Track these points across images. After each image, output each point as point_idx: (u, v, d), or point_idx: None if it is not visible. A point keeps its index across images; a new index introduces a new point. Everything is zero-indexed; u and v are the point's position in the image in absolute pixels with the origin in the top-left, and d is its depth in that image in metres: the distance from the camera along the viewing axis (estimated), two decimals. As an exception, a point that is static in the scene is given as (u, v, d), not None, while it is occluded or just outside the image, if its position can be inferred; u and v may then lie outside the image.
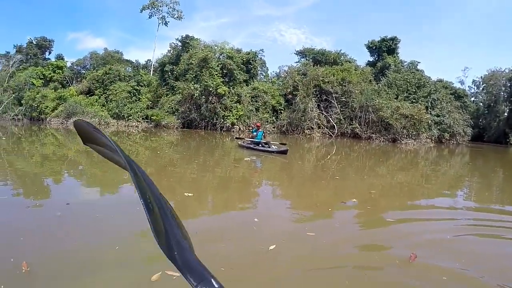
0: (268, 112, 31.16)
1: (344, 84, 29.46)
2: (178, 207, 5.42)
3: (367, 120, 28.45)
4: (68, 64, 42.54)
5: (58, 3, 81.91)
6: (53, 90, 36.87)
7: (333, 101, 29.26)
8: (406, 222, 5.16)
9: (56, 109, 33.68)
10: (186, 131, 28.04)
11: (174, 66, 33.09)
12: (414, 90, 30.39)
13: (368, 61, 37.27)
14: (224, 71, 29.93)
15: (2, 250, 3.35)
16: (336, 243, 4.02)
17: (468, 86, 44.82)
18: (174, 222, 0.51)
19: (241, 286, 2.93)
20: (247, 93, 30.69)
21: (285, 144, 14.45)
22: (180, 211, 5.21)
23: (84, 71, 41.88)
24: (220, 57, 31.61)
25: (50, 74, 39.89)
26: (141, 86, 34.27)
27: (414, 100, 29.54)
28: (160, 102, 32.16)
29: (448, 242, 4.16)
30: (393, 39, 35.01)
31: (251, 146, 14.19)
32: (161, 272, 2.86)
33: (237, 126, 29.74)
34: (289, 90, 30.92)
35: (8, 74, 41.24)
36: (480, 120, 41.92)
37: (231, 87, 29.76)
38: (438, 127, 29.90)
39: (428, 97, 30.28)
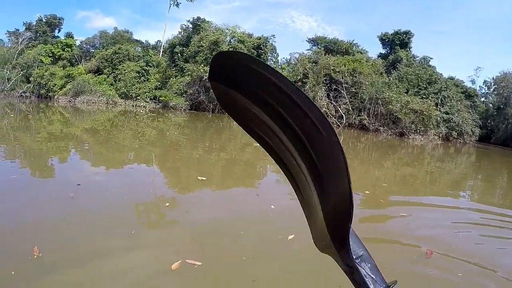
0: (277, 98, 30.82)
1: (354, 74, 29.18)
2: (192, 191, 5.35)
3: (375, 113, 28.21)
4: (77, 43, 42.34)
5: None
6: (61, 68, 36.71)
7: (342, 91, 29.01)
8: (419, 216, 5.17)
9: (64, 87, 33.58)
10: (194, 113, 27.96)
11: (184, 48, 32.90)
12: (425, 86, 30.09)
13: (380, 53, 36.89)
14: (235, 55, 29.58)
15: (13, 234, 3.10)
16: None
17: (479, 86, 44.32)
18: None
19: (264, 273, 2.81)
20: (257, 78, 30.33)
21: None
22: (194, 195, 5.11)
23: (93, 50, 41.66)
24: (231, 40, 31.40)
25: (59, 52, 39.70)
26: (150, 67, 34.17)
27: (424, 96, 29.23)
28: (169, 83, 32.03)
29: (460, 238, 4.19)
30: (407, 33, 34.58)
31: None
32: (181, 261, 2.72)
33: (245, 111, 29.45)
34: (299, 78, 30.65)
35: (17, 52, 41.03)
36: (489, 121, 41.44)
37: (241, 72, 29.43)
38: (447, 125, 29.59)
39: (439, 93, 29.94)
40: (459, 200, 7.21)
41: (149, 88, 32.22)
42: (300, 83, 30.58)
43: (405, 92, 29.18)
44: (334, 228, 0.46)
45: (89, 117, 19.86)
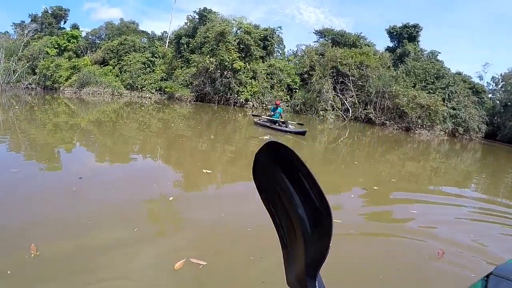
0: (283, 90, 30.65)
1: (361, 67, 28.80)
2: (197, 185, 5.27)
3: (382, 106, 27.87)
4: (83, 34, 42.18)
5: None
6: (67, 59, 36.62)
7: (349, 84, 28.70)
8: (429, 212, 5.12)
9: (70, 79, 33.50)
10: (199, 105, 27.87)
11: (190, 39, 32.62)
12: (432, 81, 29.59)
13: (388, 46, 36.29)
14: (241, 46, 29.29)
15: (9, 231, 2.99)
16: (361, 229, 3.95)
17: (487, 82, 43.61)
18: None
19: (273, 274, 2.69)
20: (263, 69, 30.11)
21: (303, 125, 14.04)
22: (199, 190, 5.03)
23: (99, 41, 41.48)
24: (238, 31, 31.06)
25: (64, 43, 39.61)
26: (156, 58, 34.00)
27: (431, 91, 28.74)
28: (175, 75, 31.85)
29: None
30: (415, 26, 33.94)
31: (267, 124, 13.72)
32: (185, 259, 2.64)
33: (250, 103, 29.37)
34: (305, 70, 30.35)
35: (23, 43, 41.01)
36: (495, 118, 40.84)
37: (247, 63, 29.22)
38: (453, 121, 29.14)
39: (446, 89, 29.41)
40: (471, 197, 7.11)
41: (155, 79, 32.10)
42: (306, 75, 30.45)
43: (412, 86, 28.75)
44: (309, 267, 0.53)
45: (94, 109, 19.86)
